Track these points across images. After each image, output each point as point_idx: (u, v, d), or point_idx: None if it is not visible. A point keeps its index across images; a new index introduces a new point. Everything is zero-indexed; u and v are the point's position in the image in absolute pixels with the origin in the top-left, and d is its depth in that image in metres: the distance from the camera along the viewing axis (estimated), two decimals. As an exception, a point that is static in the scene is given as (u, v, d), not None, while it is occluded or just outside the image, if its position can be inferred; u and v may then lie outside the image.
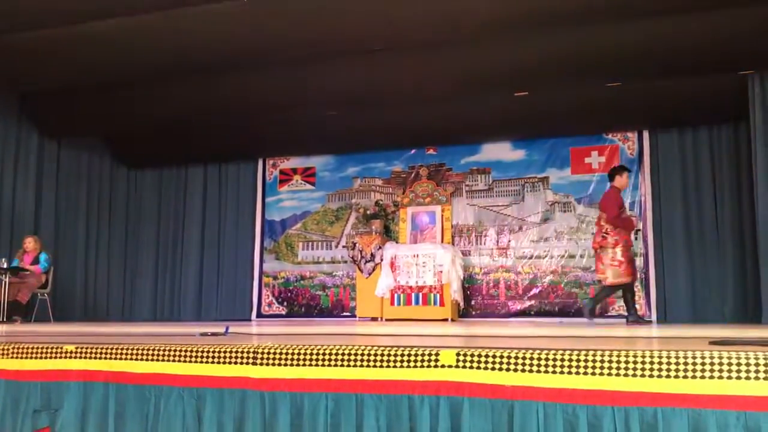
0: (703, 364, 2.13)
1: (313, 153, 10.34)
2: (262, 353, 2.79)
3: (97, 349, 3.06)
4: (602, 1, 6.37)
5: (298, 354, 2.72)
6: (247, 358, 2.82)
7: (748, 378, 2.07)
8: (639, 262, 8.64)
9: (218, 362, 2.85)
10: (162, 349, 2.96)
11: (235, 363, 2.83)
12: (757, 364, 2.07)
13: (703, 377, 2.12)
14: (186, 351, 2.92)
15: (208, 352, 2.89)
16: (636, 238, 8.72)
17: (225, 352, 2.87)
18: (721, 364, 2.12)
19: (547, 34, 7.00)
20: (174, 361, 2.91)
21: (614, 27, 6.84)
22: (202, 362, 2.88)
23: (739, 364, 2.10)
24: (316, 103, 8.46)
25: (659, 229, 8.64)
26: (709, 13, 6.60)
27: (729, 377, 2.10)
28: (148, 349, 2.98)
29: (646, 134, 8.90)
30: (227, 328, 4.51)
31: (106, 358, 3.02)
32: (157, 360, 2.94)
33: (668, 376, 2.16)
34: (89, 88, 8.42)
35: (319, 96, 8.23)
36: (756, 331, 4.91)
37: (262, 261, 10.37)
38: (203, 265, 10.43)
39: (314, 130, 9.37)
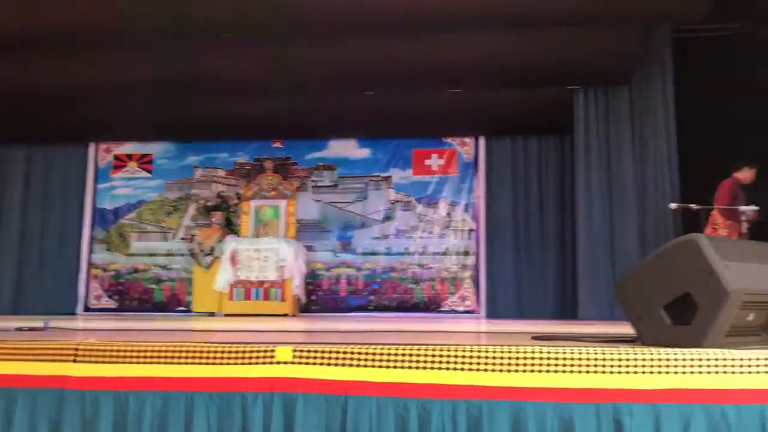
0: (525, 358, 2.26)
1: (150, 139, 9.83)
2: (85, 350, 2.60)
3: None
4: (443, 13, 6.66)
5: (125, 351, 2.57)
6: (68, 355, 2.62)
7: (564, 371, 2.22)
8: (471, 260, 9.09)
9: (33, 360, 2.62)
10: (-33, 345, 2.68)
11: (53, 361, 2.62)
12: (572, 359, 2.23)
13: (525, 371, 2.25)
14: (-4, 348, 2.66)
15: (22, 348, 2.65)
16: (470, 238, 9.17)
17: (43, 348, 2.65)
18: (541, 358, 2.25)
19: (392, 39, 7.21)
20: (-19, 359, 2.64)
21: (454, 37, 7.17)
22: (14, 360, 2.64)
23: (557, 359, 2.24)
24: (152, 88, 8.06)
25: (491, 230, 9.12)
26: (540, 31, 7.13)
27: (548, 371, 2.24)
28: (-51, 346, 2.68)
29: (482, 140, 9.37)
30: (47, 323, 4.18)
31: None
32: (-39, 358, 2.66)
33: (493, 370, 2.26)
34: None
35: (157, 80, 7.85)
36: (573, 327, 5.32)
37: (91, 252, 9.71)
38: (22, 255, 9.58)
39: (152, 115, 8.91)
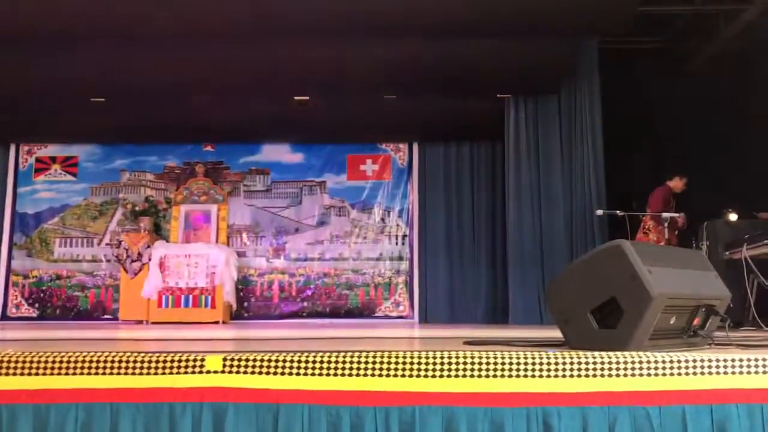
0: (457, 363, 2.28)
1: (75, 141, 9.48)
2: (2, 362, 2.48)
3: None
4: (379, 18, 6.70)
5: (46, 362, 2.46)
6: (-18, 367, 2.49)
7: (495, 376, 2.25)
8: (405, 265, 9.14)
9: (-55, 373, 2.48)
10: None
11: (-33, 373, 2.48)
12: (503, 363, 2.26)
13: (457, 376, 2.27)
14: None
15: (-68, 361, 2.50)
16: (403, 243, 9.22)
17: (-46, 361, 2.51)
18: (473, 363, 2.28)
19: (326, 43, 7.20)
20: None
21: (389, 44, 7.23)
22: (-77, 374, 2.49)
23: (488, 363, 2.27)
24: (76, 89, 7.81)
25: (424, 235, 9.19)
26: (473, 40, 7.24)
27: (479, 375, 2.26)
28: None
29: (416, 146, 9.44)
30: (-39, 334, 3.97)
31: None
32: None
33: (426, 376, 2.27)
34: None
35: (81, 82, 7.61)
36: (504, 331, 5.41)
37: (10, 258, 9.28)
38: (-65, 261, 9.10)
39: (77, 116, 8.62)
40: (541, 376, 2.26)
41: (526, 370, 2.27)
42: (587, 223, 7.93)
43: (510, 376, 2.26)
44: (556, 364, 2.27)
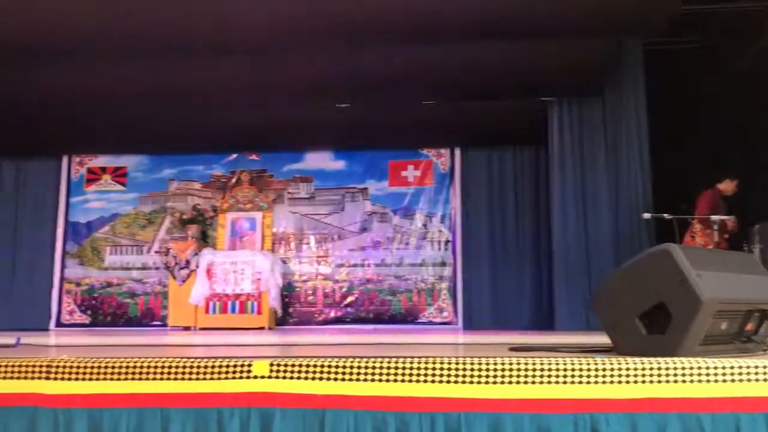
0: (503, 369, 2.27)
1: (124, 152, 9.74)
2: (58, 367, 2.56)
3: None
4: (419, 24, 6.70)
5: (99, 367, 2.53)
6: (40, 372, 2.57)
7: (542, 382, 2.23)
8: (448, 271, 9.11)
9: (4, 377, 2.57)
10: (-65, 364, 2.62)
11: (26, 378, 2.57)
12: (549, 369, 2.24)
13: (503, 382, 2.25)
14: (-35, 366, 2.60)
15: (-8, 366, 2.60)
16: (446, 249, 9.20)
17: (14, 366, 2.60)
18: (519, 369, 2.26)
19: (366, 50, 7.23)
20: (-50, 377, 2.59)
21: (429, 49, 7.22)
22: (-16, 378, 2.58)
23: (534, 370, 2.25)
24: (127, 100, 8.01)
25: (467, 240, 9.15)
26: (514, 43, 7.18)
27: (525, 382, 2.24)
28: None
29: (458, 151, 9.42)
30: (18, 339, 4.10)
31: None
32: (-71, 376, 2.60)
33: (471, 382, 2.26)
34: None
35: (132, 93, 7.80)
36: (550, 337, 5.35)
37: (63, 266, 9.57)
38: (-7, 270, 9.42)
39: (126, 127, 8.85)
40: (588, 383, 2.23)
41: (573, 376, 2.24)
42: (634, 227, 7.78)
43: (557, 382, 2.24)
44: (604, 370, 2.23)
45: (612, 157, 8.05)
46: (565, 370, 2.25)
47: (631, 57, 7.96)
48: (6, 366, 2.60)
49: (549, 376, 2.24)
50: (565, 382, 2.24)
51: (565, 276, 7.94)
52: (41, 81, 7.60)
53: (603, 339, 2.96)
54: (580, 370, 2.24)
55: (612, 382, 2.22)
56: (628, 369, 2.23)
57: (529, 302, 8.84)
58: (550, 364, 2.26)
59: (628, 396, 2.21)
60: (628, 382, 2.22)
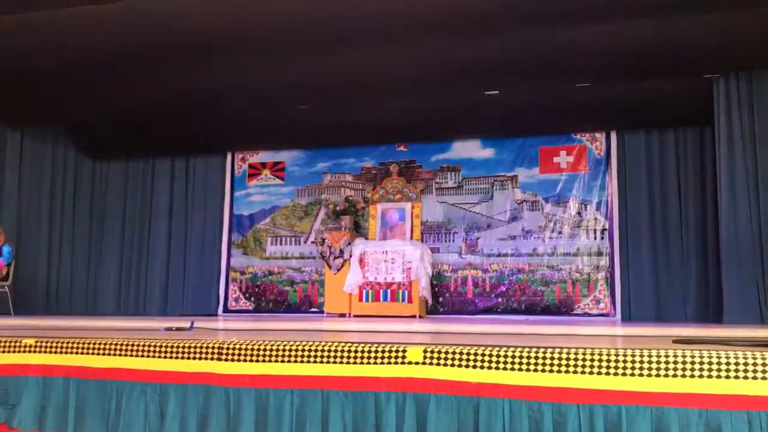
0: (667, 362, 2.16)
1: (282, 148, 10.27)
2: (228, 349, 2.75)
3: (57, 343, 2.99)
4: (569, 3, 6.43)
5: (264, 350, 2.69)
6: (212, 353, 2.78)
7: (710, 377, 2.10)
8: (604, 261, 8.75)
9: (182, 358, 2.81)
10: (125, 343, 2.91)
11: (200, 359, 2.79)
12: (719, 363, 2.10)
13: (666, 375, 2.14)
14: (149, 346, 2.87)
15: (172, 347, 2.84)
16: (602, 238, 8.85)
17: (189, 347, 2.83)
18: (684, 362, 2.14)
19: (515, 33, 7.03)
20: (137, 356, 2.86)
21: (580, 29, 6.89)
22: (165, 357, 2.83)
23: (701, 363, 2.12)
24: (285, 97, 8.39)
25: (625, 228, 8.74)
26: (674, 17, 6.68)
27: (692, 375, 2.12)
28: (110, 344, 2.92)
29: (613, 135, 9.00)
30: (192, 323, 4.45)
31: (66, 353, 2.96)
32: (120, 355, 2.89)
33: (633, 374, 2.18)
34: (50, 75, 8.16)
35: (289, 89, 8.16)
36: (718, 330, 5.00)
37: (229, 256, 10.27)
38: (170, 259, 10.29)
39: (284, 124, 9.31)
40: (764, 378, 2.06)
41: (746, 371, 2.08)
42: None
43: (728, 377, 2.09)
44: (783, 366, 2.06)
45: (788, 135, 7.35)
46: (737, 364, 2.10)
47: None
48: (183, 347, 2.84)
49: (719, 370, 2.10)
50: (737, 377, 2.09)
51: (734, 265, 7.36)
52: (212, 77, 7.98)
53: (781, 333, 2.73)
54: (754, 364, 2.08)
55: (793, 380, 2.05)
56: (812, 365, 2.04)
57: (695, 293, 8.29)
58: (719, 357, 2.11)
59: (812, 395, 2.02)
60: (812, 379, 2.04)
